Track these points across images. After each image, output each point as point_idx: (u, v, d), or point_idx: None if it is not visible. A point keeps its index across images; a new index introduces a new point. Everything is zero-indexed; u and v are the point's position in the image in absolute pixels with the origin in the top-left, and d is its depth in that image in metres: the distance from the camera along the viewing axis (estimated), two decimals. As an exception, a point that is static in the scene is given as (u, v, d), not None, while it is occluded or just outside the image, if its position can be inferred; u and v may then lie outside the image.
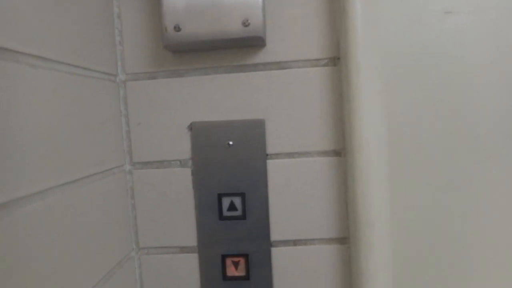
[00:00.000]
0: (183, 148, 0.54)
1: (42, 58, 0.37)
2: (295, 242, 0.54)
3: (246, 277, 0.54)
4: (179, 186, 0.54)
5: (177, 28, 0.48)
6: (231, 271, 0.54)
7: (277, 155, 0.53)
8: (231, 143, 0.52)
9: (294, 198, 0.53)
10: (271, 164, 0.53)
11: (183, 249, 0.55)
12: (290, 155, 0.53)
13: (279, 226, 0.54)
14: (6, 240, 0.30)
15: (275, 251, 0.54)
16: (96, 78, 0.47)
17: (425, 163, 0.54)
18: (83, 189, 0.43)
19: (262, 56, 0.52)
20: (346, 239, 0.53)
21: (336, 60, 0.51)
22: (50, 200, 0.37)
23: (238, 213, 0.54)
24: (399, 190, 0.54)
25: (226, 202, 0.53)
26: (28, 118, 0.34)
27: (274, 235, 0.54)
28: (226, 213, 0.54)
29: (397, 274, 0.54)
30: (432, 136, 0.54)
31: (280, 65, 0.52)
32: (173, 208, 0.54)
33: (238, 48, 0.52)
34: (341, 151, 0.52)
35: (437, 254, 0.55)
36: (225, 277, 0.54)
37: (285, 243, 0.54)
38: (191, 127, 0.53)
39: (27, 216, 0.33)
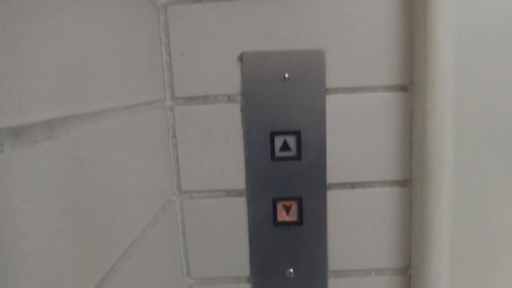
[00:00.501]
0: (232, 81, 0.48)
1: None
2: (353, 185, 0.50)
3: (299, 222, 0.51)
4: (227, 123, 0.49)
5: None
6: (282, 216, 0.51)
7: (337, 90, 0.48)
8: (286, 76, 0.47)
9: (354, 137, 0.49)
10: (330, 99, 0.48)
11: (230, 193, 0.51)
12: (351, 90, 0.48)
13: (336, 168, 0.49)
14: (64, 163, 0.26)
15: (330, 195, 0.50)
16: (137, -3, 0.41)
17: (493, 111, 0.49)
18: (130, 119, 0.37)
19: (324, -23, 0.46)
20: (407, 181, 0.50)
21: (408, -18, 0.46)
22: (103, 124, 0.32)
23: (292, 153, 0.49)
24: (465, 134, 0.50)
25: (279, 141, 0.49)
26: (84, 31, 0.29)
27: (331, 178, 0.50)
28: (278, 153, 0.49)
29: (458, 219, 0.51)
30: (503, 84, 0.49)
31: (343, -12, 0.46)
32: (219, 148, 0.50)
33: (297, -34, 0.46)
34: (407, 86, 0.47)
35: (499, 205, 0.51)
36: (275, 222, 0.51)
37: (342, 186, 0.50)
38: (242, 57, 0.47)
39: (84, 137, 0.28)
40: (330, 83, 0.48)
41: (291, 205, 0.50)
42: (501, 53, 0.48)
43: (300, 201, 0.50)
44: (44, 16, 0.23)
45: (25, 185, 0.20)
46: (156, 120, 0.46)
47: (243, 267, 0.52)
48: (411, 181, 0.49)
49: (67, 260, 0.25)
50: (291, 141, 0.49)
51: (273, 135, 0.49)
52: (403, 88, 0.47)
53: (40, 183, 0.22)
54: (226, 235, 0.51)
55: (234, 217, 0.51)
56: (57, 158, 0.24)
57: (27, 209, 0.21)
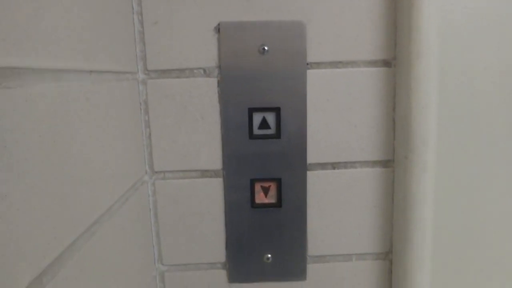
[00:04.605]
0: (209, 53, 0.45)
1: None
2: (334, 165, 0.48)
3: (278, 205, 0.48)
4: (203, 99, 0.46)
5: None
6: (260, 198, 0.48)
7: (318, 64, 0.46)
8: (266, 48, 0.45)
9: (336, 114, 0.47)
10: (311, 74, 0.46)
11: (205, 173, 0.48)
12: (333, 64, 0.46)
13: (317, 147, 0.47)
14: (15, 120, 0.23)
15: (311, 175, 0.48)
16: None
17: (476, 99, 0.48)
18: (95, 86, 0.34)
19: None
20: (390, 162, 0.48)
21: (392, -47, 0.44)
22: (64, 84, 0.29)
23: (271, 131, 0.47)
24: (447, 110, 0.49)
25: (257, 118, 0.46)
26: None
27: (311, 157, 0.48)
28: (257, 131, 0.47)
29: (441, 199, 0.50)
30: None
31: (326, -43, 0.44)
32: (194, 125, 0.47)
33: None
34: (391, 61, 0.46)
35: (481, 185, 0.50)
36: (253, 205, 0.48)
37: (323, 166, 0.48)
38: (219, 28, 0.45)
39: (41, 94, 0.25)
40: (311, 57, 0.46)
41: (269, 186, 0.48)
42: (485, 30, 0.47)
43: (279, 182, 0.48)
44: None
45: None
46: (127, 93, 0.43)
47: (219, 252, 0.50)
48: (393, 161, 0.48)
49: (18, 233, 0.22)
50: (270, 118, 0.46)
51: (251, 111, 0.46)
52: (386, 63, 0.46)
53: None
54: (201, 218, 0.49)
55: (210, 199, 0.48)
56: (5, 113, 0.21)
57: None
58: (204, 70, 0.46)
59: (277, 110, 0.46)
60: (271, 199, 0.48)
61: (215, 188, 0.48)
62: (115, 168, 0.38)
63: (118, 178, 0.39)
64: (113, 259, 0.36)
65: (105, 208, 0.34)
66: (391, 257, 0.50)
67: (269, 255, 0.49)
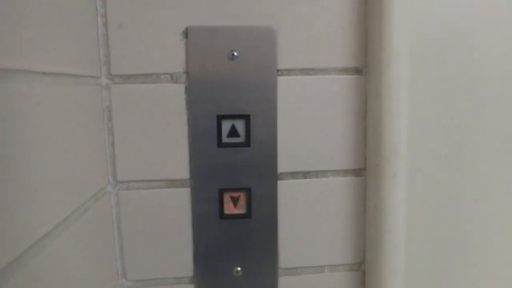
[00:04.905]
0: (176, 58, 0.44)
1: None
2: (305, 174, 0.47)
3: (247, 215, 0.47)
4: (170, 105, 0.44)
5: None
6: (229, 208, 0.46)
7: (289, 71, 0.45)
8: (235, 54, 0.43)
9: (307, 122, 0.46)
10: (282, 81, 0.45)
11: (172, 183, 0.46)
12: (304, 71, 0.45)
13: (288, 156, 0.46)
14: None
15: (281, 185, 0.47)
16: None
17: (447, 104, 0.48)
18: (50, 89, 0.32)
19: (276, -50, 0.43)
20: (362, 170, 0.47)
21: (362, -40, 0.44)
22: (10, 85, 0.26)
23: (241, 139, 0.45)
24: (420, 119, 0.48)
25: (226, 126, 0.45)
26: None
27: (282, 166, 0.46)
28: (226, 139, 0.45)
29: (414, 208, 0.49)
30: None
31: (297, -38, 0.44)
32: (161, 133, 0.45)
33: None
34: (362, 69, 0.45)
35: (454, 193, 0.50)
36: (222, 216, 0.46)
37: (294, 175, 0.47)
38: (187, 32, 0.43)
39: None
40: (282, 63, 0.45)
41: (239, 196, 0.46)
42: (456, 38, 0.47)
43: (248, 192, 0.46)
44: None
45: None
46: (88, 99, 0.40)
47: (186, 266, 0.47)
48: (365, 170, 0.47)
49: None
50: (240, 126, 0.45)
51: (220, 119, 0.45)
52: (357, 71, 0.45)
53: None
54: (168, 230, 0.46)
55: (177, 210, 0.46)
56: None
57: None
58: (171, 76, 0.44)
59: (246, 118, 0.45)
60: (240, 209, 0.47)
61: (182, 199, 0.46)
62: (72, 177, 0.35)
63: (75, 188, 0.36)
64: (68, 276, 0.33)
65: (57, 221, 0.32)
66: (364, 268, 0.49)
67: (239, 268, 0.47)
